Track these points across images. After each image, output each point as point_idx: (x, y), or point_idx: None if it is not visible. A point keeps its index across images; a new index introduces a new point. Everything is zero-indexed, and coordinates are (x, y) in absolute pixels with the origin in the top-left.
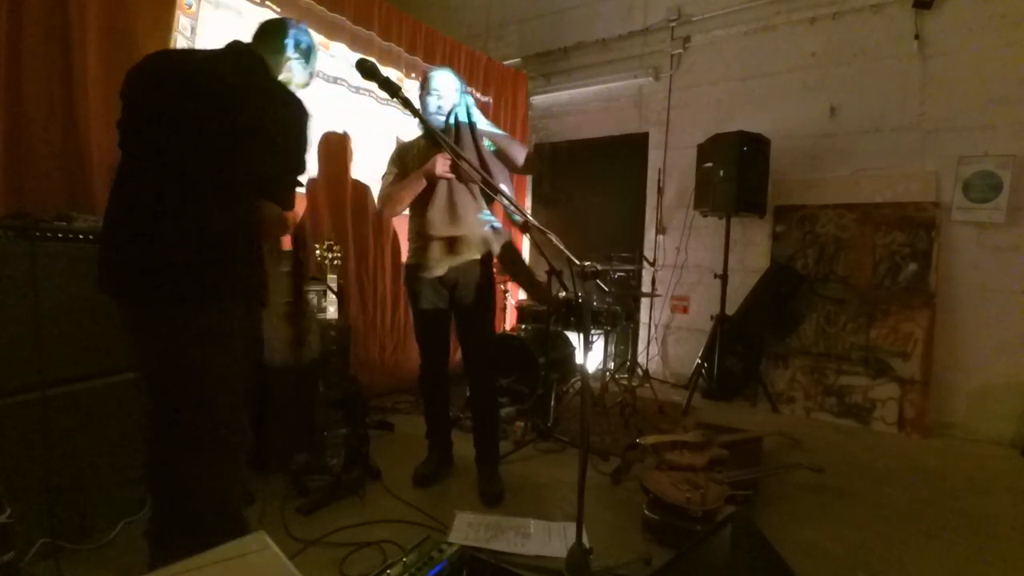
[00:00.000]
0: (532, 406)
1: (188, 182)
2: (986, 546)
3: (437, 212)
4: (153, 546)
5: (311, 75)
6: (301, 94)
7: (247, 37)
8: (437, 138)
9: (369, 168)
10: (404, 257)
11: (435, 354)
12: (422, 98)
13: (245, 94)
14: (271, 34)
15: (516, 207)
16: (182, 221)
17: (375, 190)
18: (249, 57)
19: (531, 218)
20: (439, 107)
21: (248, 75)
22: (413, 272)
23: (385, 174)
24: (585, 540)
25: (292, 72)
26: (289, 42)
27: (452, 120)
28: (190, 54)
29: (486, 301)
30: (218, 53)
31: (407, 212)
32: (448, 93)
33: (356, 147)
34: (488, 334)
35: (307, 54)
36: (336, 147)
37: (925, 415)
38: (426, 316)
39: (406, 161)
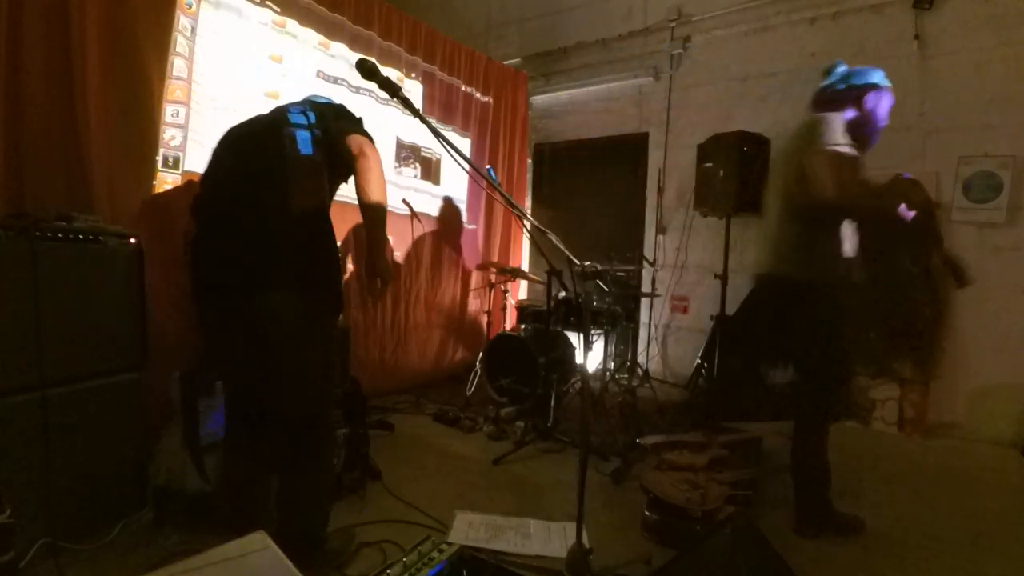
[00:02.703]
0: (532, 406)
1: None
2: (986, 546)
3: None
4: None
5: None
6: None
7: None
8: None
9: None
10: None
11: None
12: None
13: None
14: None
15: (517, 208)
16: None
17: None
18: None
19: (531, 218)
20: None
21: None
22: None
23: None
24: (585, 540)
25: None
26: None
27: None
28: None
29: None
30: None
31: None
32: None
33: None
34: None
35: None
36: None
37: (925, 415)
38: None
39: None
